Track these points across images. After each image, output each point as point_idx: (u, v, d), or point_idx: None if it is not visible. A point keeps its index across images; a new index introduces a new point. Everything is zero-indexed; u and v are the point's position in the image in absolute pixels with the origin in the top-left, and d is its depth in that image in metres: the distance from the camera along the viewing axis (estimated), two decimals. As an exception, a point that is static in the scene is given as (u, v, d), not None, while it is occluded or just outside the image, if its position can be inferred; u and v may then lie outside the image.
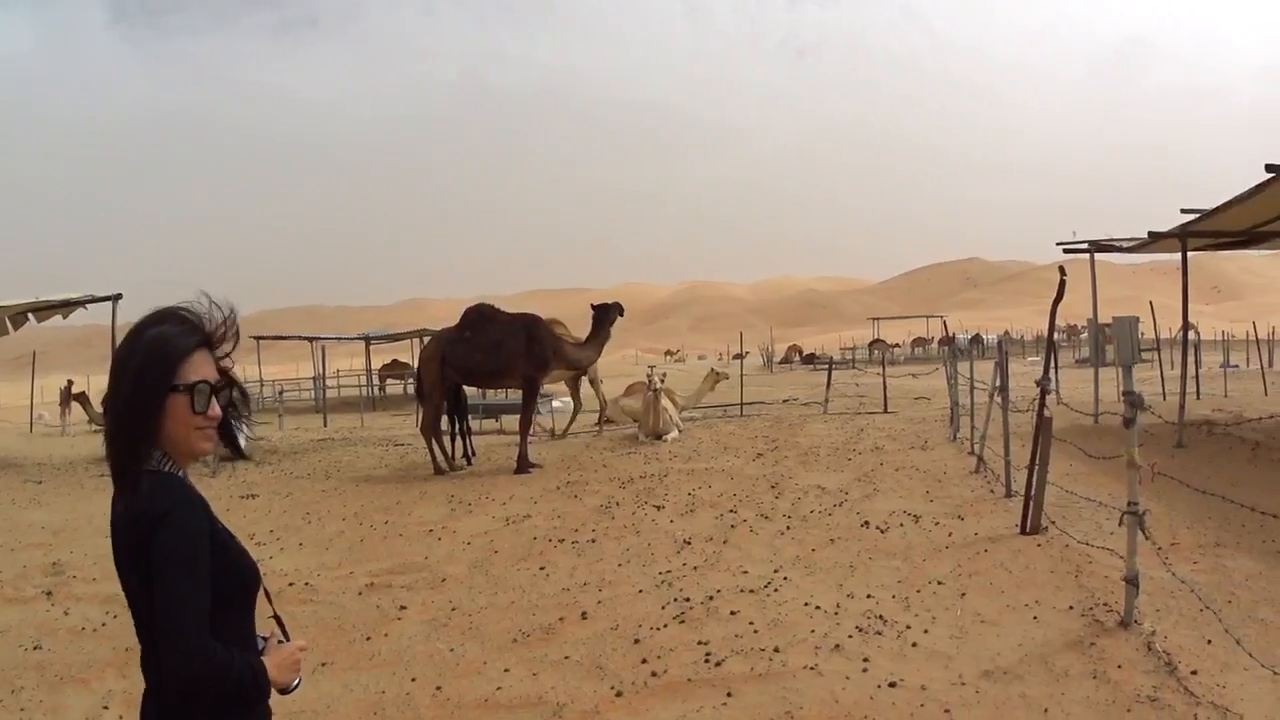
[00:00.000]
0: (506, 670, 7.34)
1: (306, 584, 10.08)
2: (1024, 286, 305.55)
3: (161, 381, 2.91)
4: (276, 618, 3.23)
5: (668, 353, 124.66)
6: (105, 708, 7.38)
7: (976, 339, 70.90)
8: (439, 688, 7.07)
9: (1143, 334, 48.10)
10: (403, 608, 9.05)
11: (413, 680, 7.23)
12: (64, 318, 25.70)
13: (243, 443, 3.43)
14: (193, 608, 2.79)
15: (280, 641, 3.13)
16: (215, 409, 2.99)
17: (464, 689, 7.03)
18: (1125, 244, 22.69)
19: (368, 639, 8.19)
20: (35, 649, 8.69)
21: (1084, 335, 47.54)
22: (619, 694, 6.70)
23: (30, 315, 25.67)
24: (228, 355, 3.11)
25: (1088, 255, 23.43)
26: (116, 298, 22.83)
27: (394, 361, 55.54)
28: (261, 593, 3.18)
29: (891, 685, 6.47)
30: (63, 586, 10.82)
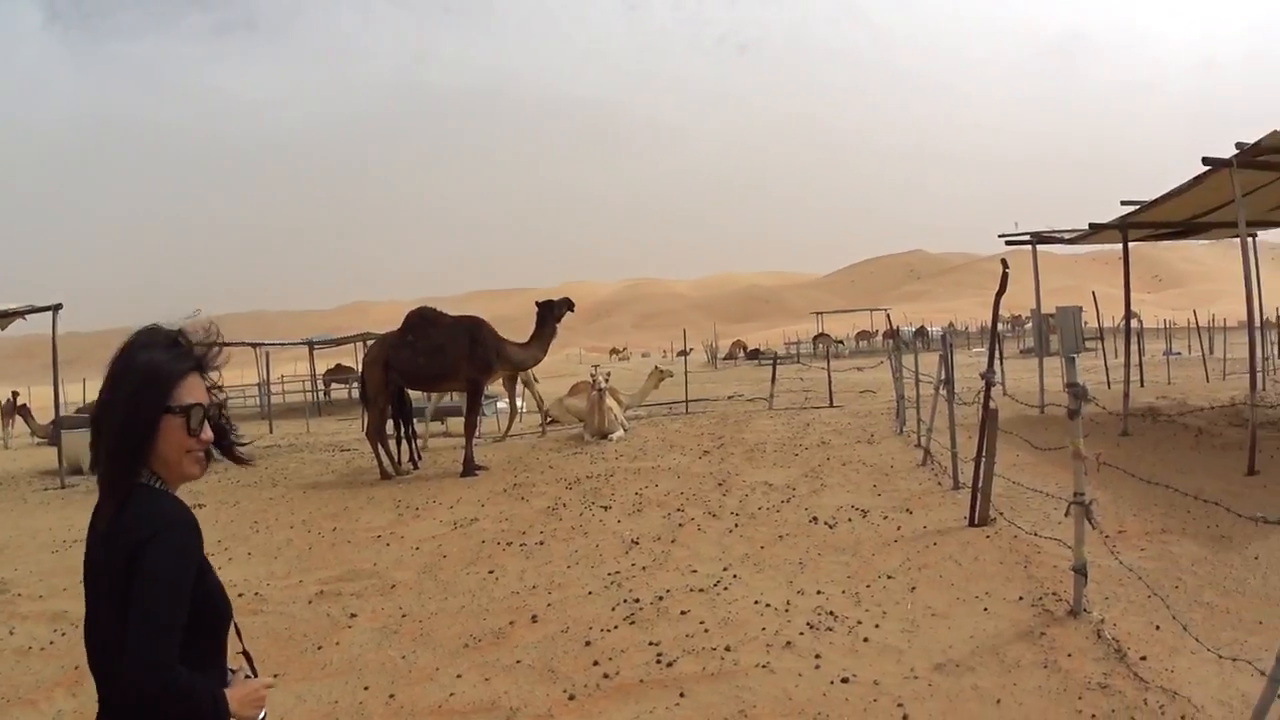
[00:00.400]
0: (459, 676, 7.27)
1: (256, 594, 9.96)
2: (967, 278, 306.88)
3: (157, 403, 2.95)
4: (245, 653, 3.24)
5: (613, 351, 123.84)
6: None
7: (921, 331, 71.21)
8: (392, 695, 7.00)
9: (1086, 323, 48.57)
10: (353, 615, 8.96)
11: (365, 689, 7.15)
12: (1, 329, 25.14)
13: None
14: (166, 626, 2.78)
15: (247, 676, 3.13)
16: (208, 432, 3.05)
17: (417, 696, 6.96)
18: (1067, 235, 22.82)
19: (319, 648, 8.10)
20: None
21: (1028, 325, 47.90)
22: (571, 697, 6.65)
23: None
24: (216, 378, 3.15)
25: (1029, 246, 23.56)
26: (57, 308, 22.47)
27: (338, 366, 55.17)
28: (232, 626, 3.17)
29: (844, 681, 6.46)
30: (6, 605, 10.59)
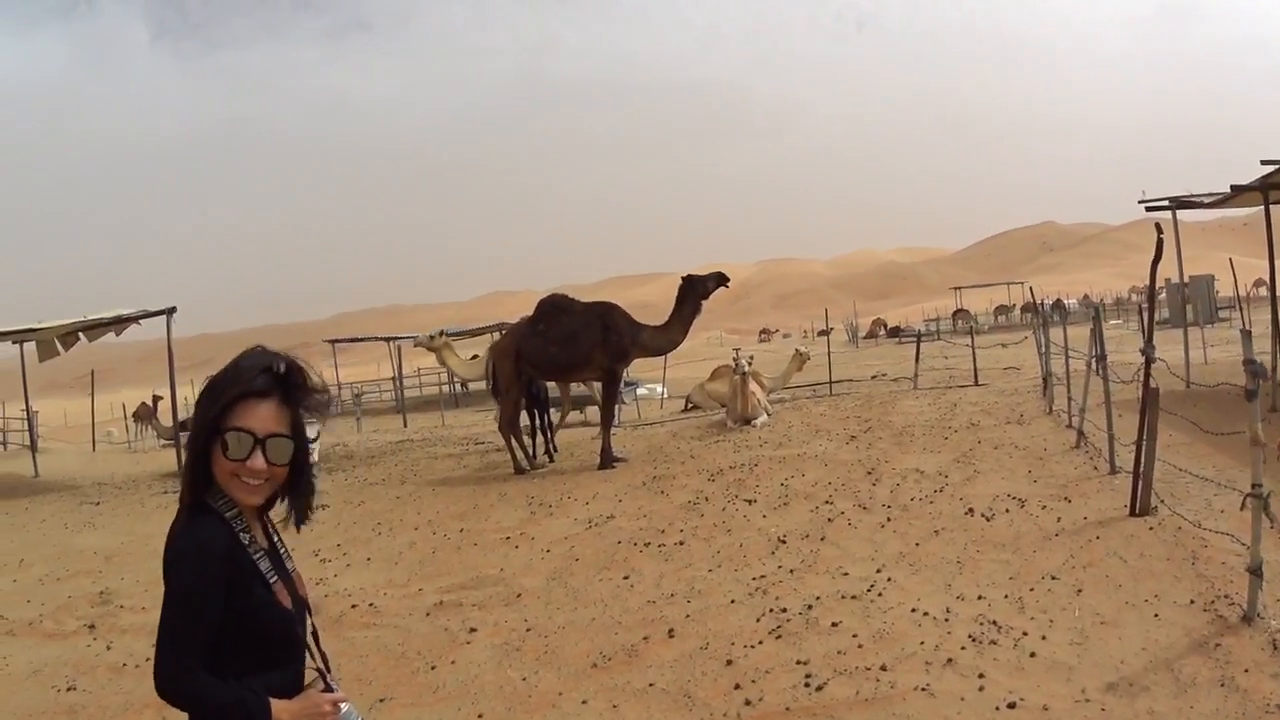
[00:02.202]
0: (584, 702, 6.73)
1: (371, 605, 9.54)
2: (1099, 249, 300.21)
3: (208, 421, 3.01)
4: (319, 670, 3.24)
5: (762, 332, 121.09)
6: None
7: (1058, 304, 69.41)
8: (507, 726, 6.47)
9: (1218, 293, 46.84)
10: (473, 630, 8.46)
11: (479, 717, 6.65)
12: (117, 335, 25.24)
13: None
14: (179, 639, 2.96)
15: (323, 690, 3.17)
16: (257, 461, 3.00)
17: None
18: (1206, 199, 21.60)
19: (432, 668, 7.65)
20: (69, 690, 8.23)
21: (1162, 296, 46.56)
22: (708, 729, 6.05)
23: (81, 335, 25.23)
24: (307, 413, 3.13)
25: (1168, 213, 22.31)
26: (171, 311, 22.46)
27: (474, 356, 55.16)
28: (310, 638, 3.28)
29: (1011, 706, 5.81)
30: (108, 618, 10.31)
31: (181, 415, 27.59)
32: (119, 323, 24.02)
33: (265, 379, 3.02)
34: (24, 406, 31.62)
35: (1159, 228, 10.38)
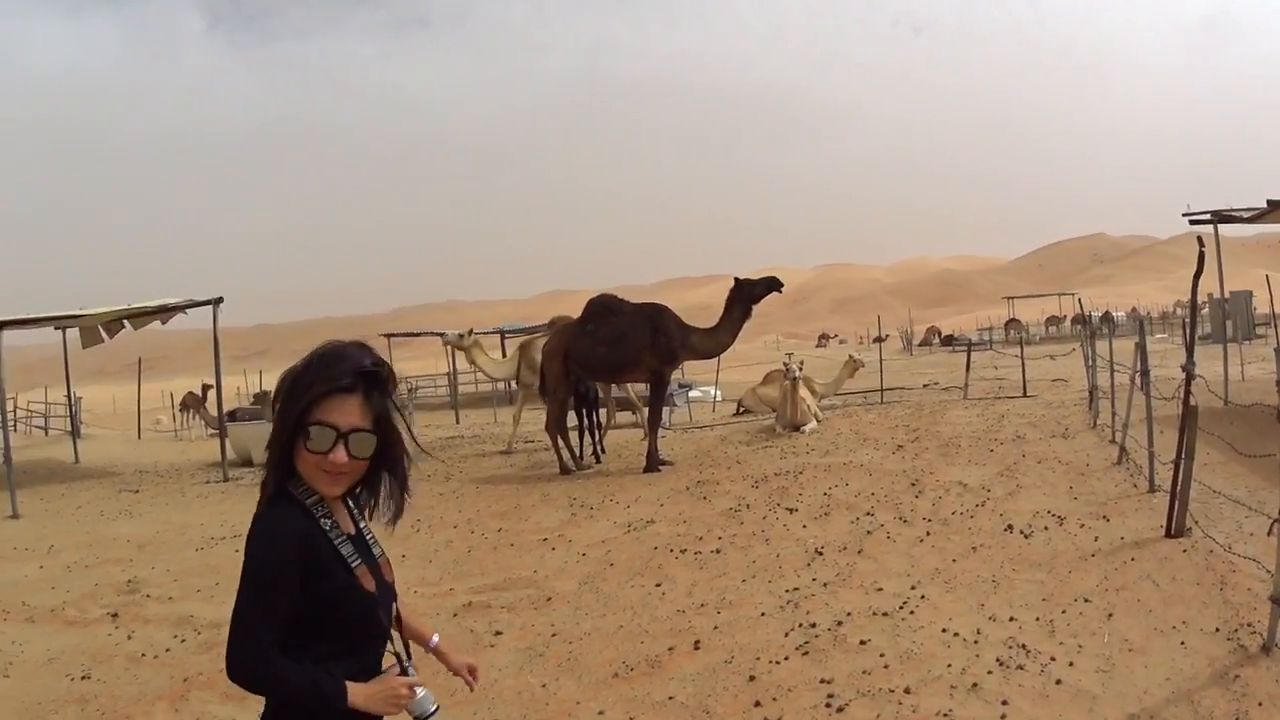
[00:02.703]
0: (601, 713, 6.53)
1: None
2: (1146, 262, 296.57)
3: (292, 414, 3.03)
4: (396, 654, 3.27)
5: (822, 337, 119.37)
6: None
7: (1106, 316, 68.46)
8: (520, 734, 6.25)
9: (1255, 309, 45.98)
10: (498, 633, 8.29)
11: (493, 723, 6.40)
12: (163, 323, 25.23)
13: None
14: (249, 622, 2.96)
15: (400, 673, 3.18)
16: (339, 455, 3.02)
17: None
18: (1245, 214, 21.10)
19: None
20: (83, 679, 8.10)
21: (1204, 311, 45.62)
22: (722, 748, 5.81)
23: (126, 322, 25.14)
24: (385, 408, 3.13)
25: (1209, 226, 21.80)
26: (217, 301, 22.33)
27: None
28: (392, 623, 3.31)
29: (1030, 736, 5.49)
30: (132, 607, 10.20)
31: (230, 405, 27.36)
32: (164, 311, 23.97)
33: (351, 376, 3.05)
34: (67, 392, 31.44)
35: (1200, 241, 10.07)
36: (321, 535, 3.08)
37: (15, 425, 38.11)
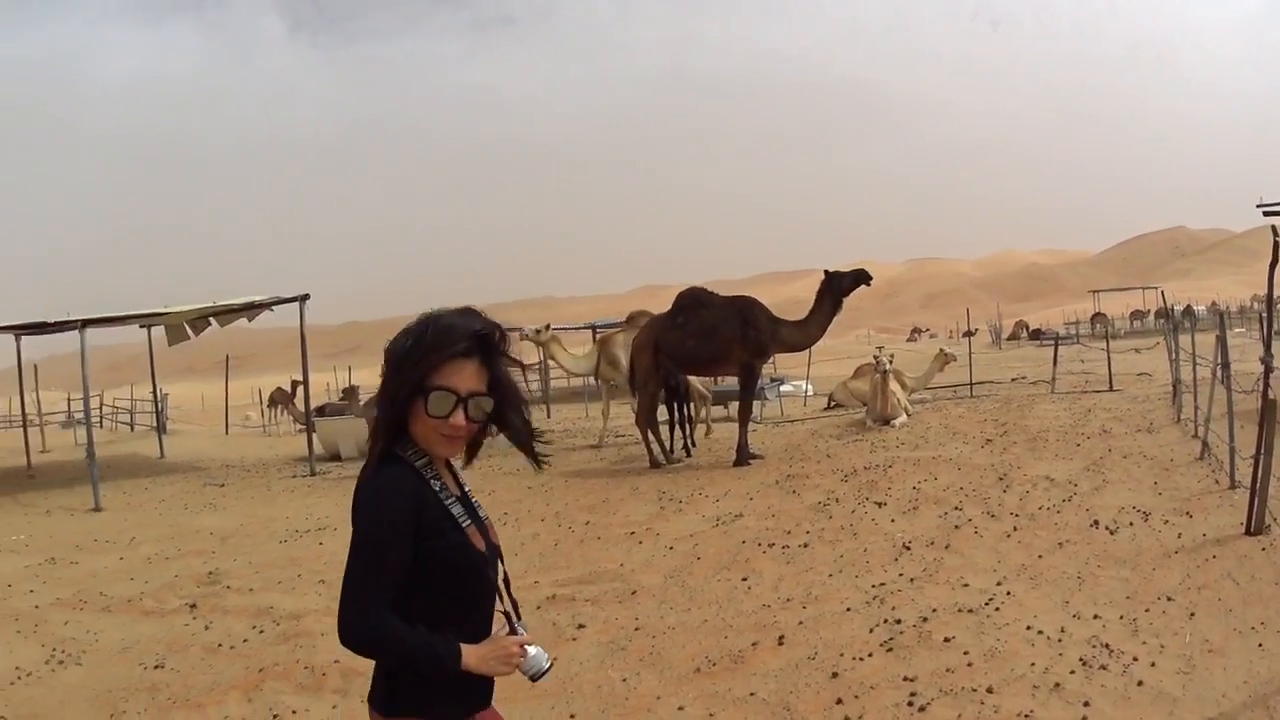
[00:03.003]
0: (681, 708, 6.46)
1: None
2: (1224, 256, 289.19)
3: (411, 380, 3.04)
4: (505, 613, 3.28)
5: (914, 331, 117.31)
6: None
7: (1188, 310, 67.03)
8: (598, 728, 6.22)
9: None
10: (581, 626, 8.24)
11: (571, 717, 6.43)
12: (249, 320, 25.15)
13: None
14: (358, 583, 2.98)
15: (509, 634, 3.20)
16: (459, 418, 3.06)
17: None
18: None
19: (533, 664, 7.41)
20: (157, 668, 8.15)
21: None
22: (802, 746, 5.75)
23: (212, 320, 25.17)
24: (500, 370, 3.18)
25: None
26: (304, 298, 22.34)
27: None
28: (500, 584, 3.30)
29: (1110, 739, 5.39)
30: (212, 598, 10.27)
31: (319, 401, 27.39)
32: (250, 309, 23.95)
33: (467, 341, 3.06)
34: (153, 389, 31.60)
35: (1275, 231, 9.81)
36: (432, 495, 3.10)
37: (100, 421, 38.58)
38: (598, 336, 23.47)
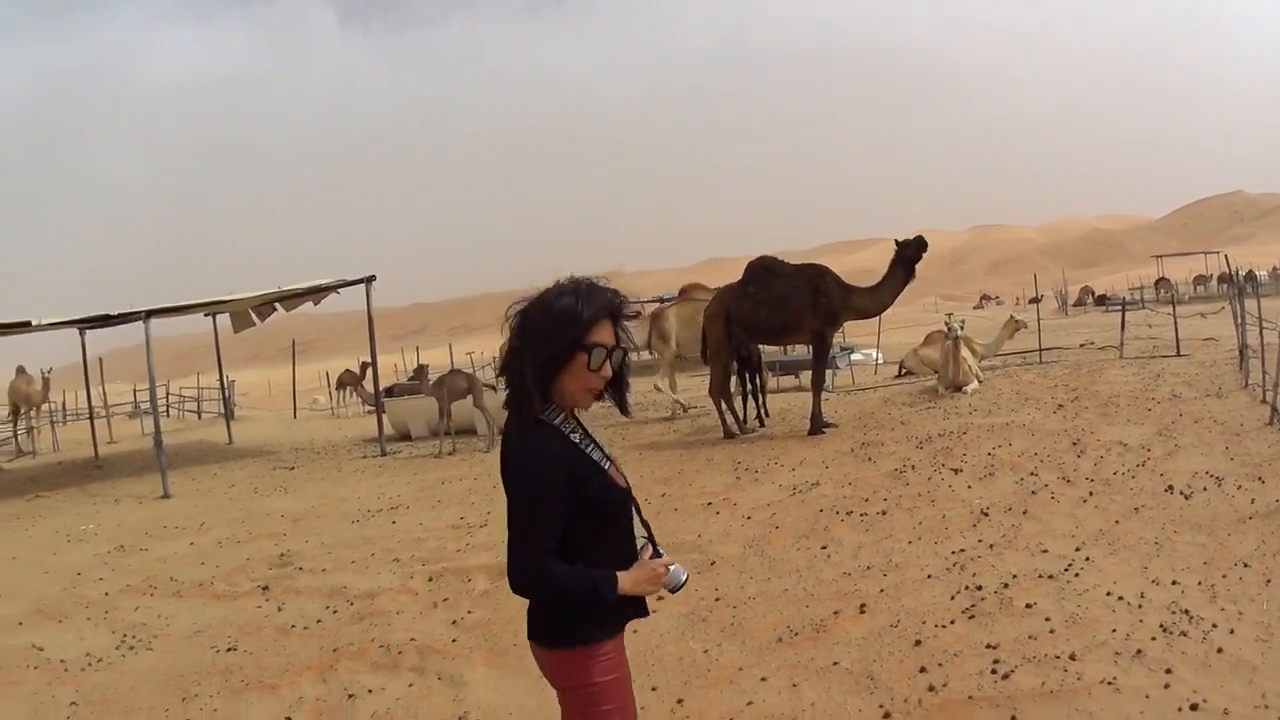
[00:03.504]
0: (763, 679, 6.38)
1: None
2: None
3: (570, 340, 3.32)
4: (649, 537, 3.60)
5: (983, 298, 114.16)
6: (288, 719, 6.70)
7: (1250, 275, 65.31)
8: (680, 701, 6.20)
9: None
10: (660, 598, 8.10)
11: (653, 690, 6.35)
12: (315, 304, 24.92)
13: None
14: (525, 535, 3.28)
15: (652, 556, 3.54)
16: (607, 369, 3.40)
17: (709, 703, 6.14)
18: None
19: (614, 637, 7.36)
20: (229, 651, 8.13)
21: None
22: (886, 715, 5.71)
23: (278, 305, 25.04)
24: (625, 327, 3.49)
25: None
26: (370, 280, 22.11)
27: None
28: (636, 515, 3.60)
29: (1194, 708, 5.29)
30: (284, 580, 10.24)
31: (385, 382, 27.21)
32: (315, 292, 23.73)
33: (609, 304, 3.41)
34: (219, 376, 31.42)
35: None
36: (575, 448, 3.38)
37: (167, 410, 38.39)
38: (650, 311, 23.02)
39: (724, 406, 17.61)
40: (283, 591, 9.83)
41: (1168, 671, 5.72)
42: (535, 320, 3.36)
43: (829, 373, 21.52)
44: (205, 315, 26.29)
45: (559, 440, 3.36)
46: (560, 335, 3.31)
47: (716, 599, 8.08)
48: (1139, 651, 6.03)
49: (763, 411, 18.86)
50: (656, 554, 3.57)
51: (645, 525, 3.64)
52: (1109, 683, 5.66)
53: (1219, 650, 5.95)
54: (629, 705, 3.58)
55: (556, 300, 3.35)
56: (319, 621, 8.75)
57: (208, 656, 8.08)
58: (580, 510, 3.34)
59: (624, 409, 3.72)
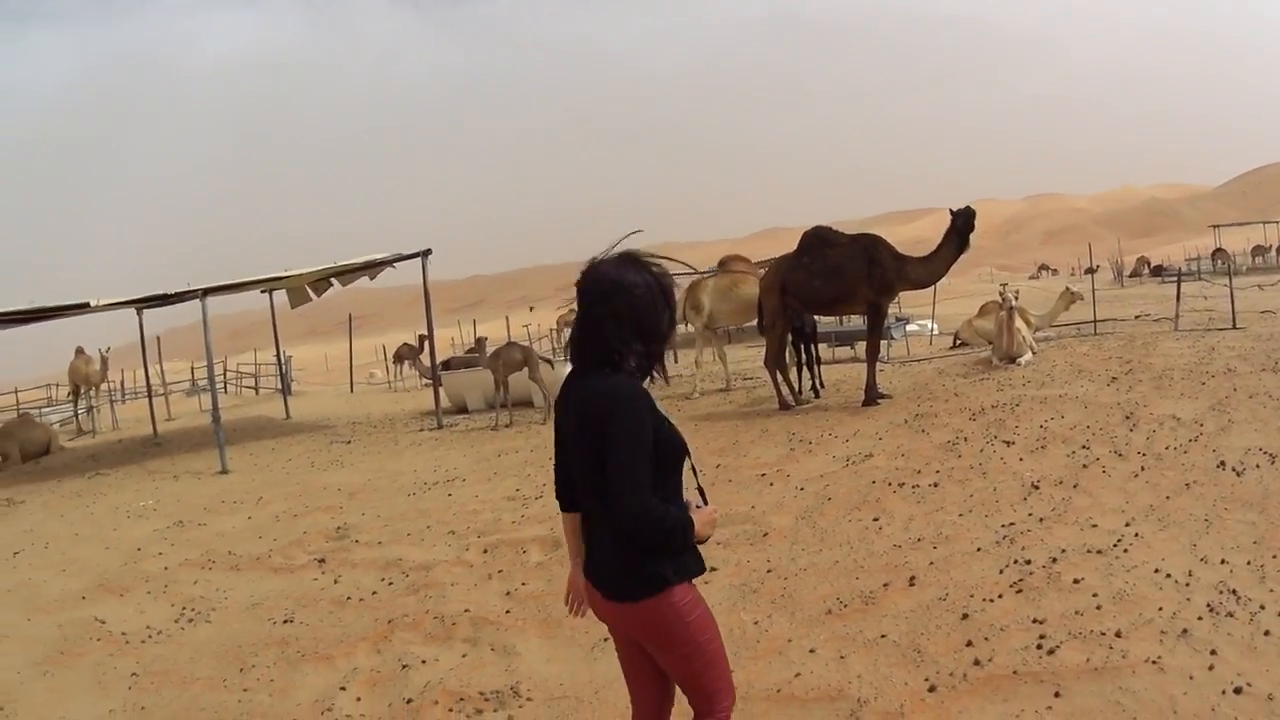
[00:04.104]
0: (812, 651, 6.35)
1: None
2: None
3: (670, 313, 3.76)
4: (699, 489, 3.82)
5: (1042, 268, 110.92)
6: (342, 689, 6.76)
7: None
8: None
9: None
10: (713, 569, 8.00)
11: (704, 663, 6.32)
12: (371, 279, 24.86)
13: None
14: (634, 474, 3.47)
15: (699, 505, 3.75)
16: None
17: (757, 674, 6.10)
18: None
19: (663, 609, 7.32)
20: (285, 622, 8.19)
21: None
22: (932, 688, 5.65)
23: (334, 280, 24.90)
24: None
25: None
26: (426, 254, 21.80)
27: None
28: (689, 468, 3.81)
29: (1237, 691, 5.19)
30: (340, 553, 10.28)
31: (444, 355, 27.09)
32: (371, 267, 23.53)
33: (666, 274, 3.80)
34: (276, 352, 31.54)
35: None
36: (652, 400, 3.65)
37: (225, 387, 38.72)
38: (689, 282, 22.65)
39: (779, 378, 17.42)
40: (339, 564, 9.90)
41: (1213, 653, 5.63)
42: (639, 294, 3.67)
43: (883, 344, 21.29)
44: (261, 292, 26.23)
45: (648, 394, 3.62)
46: (663, 308, 3.73)
47: (768, 570, 8.04)
48: (1185, 631, 5.93)
49: (818, 383, 18.67)
50: (705, 502, 3.81)
51: (696, 476, 3.83)
52: (1153, 662, 5.58)
53: (1266, 633, 5.83)
54: (718, 636, 3.79)
55: (649, 282, 3.69)
56: (374, 593, 8.81)
57: (264, 628, 8.17)
58: (657, 455, 3.57)
59: (665, 378, 4.17)
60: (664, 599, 3.61)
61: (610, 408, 3.54)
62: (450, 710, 6.34)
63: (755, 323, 19.43)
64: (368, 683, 6.86)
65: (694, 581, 3.76)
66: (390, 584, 9.03)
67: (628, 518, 3.45)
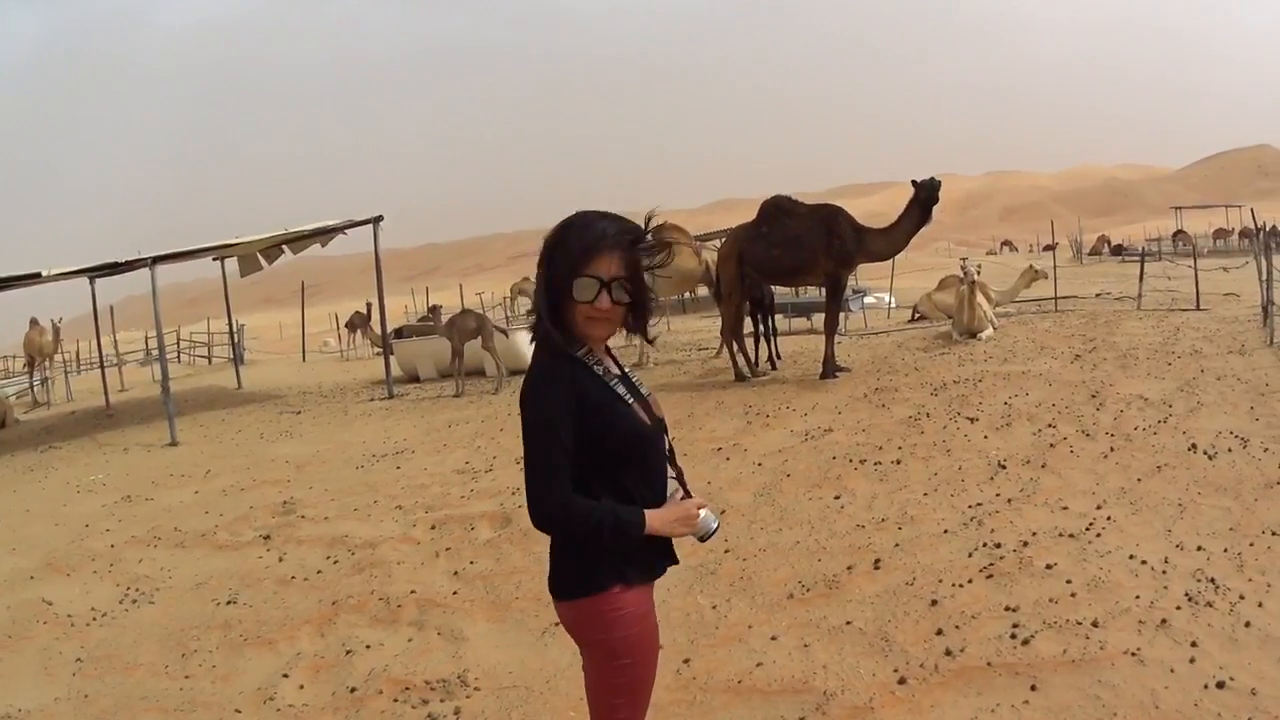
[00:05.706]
0: (773, 638, 6.16)
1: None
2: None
3: (564, 269, 3.26)
4: (677, 477, 3.52)
5: (1004, 244, 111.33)
6: (285, 675, 6.56)
7: (1273, 231, 64.26)
8: (687, 660, 5.98)
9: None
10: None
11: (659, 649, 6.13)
12: (323, 245, 24.58)
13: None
14: (542, 465, 3.18)
15: (682, 498, 3.46)
16: (604, 301, 3.25)
17: (716, 664, 5.91)
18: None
19: (619, 592, 7.12)
20: (229, 603, 8.02)
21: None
22: (902, 680, 5.47)
23: (285, 248, 24.56)
24: (647, 259, 3.38)
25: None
26: (377, 220, 21.47)
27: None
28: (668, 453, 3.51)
29: (1220, 686, 5.05)
30: (286, 529, 10.11)
31: (395, 323, 26.93)
32: (322, 234, 23.33)
33: (613, 237, 3.28)
34: (228, 321, 31.26)
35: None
36: (591, 377, 3.31)
37: (178, 356, 38.12)
38: None
39: (735, 348, 17.29)
40: (284, 541, 9.73)
41: (1193, 645, 5.48)
42: (542, 254, 3.35)
43: (841, 316, 21.15)
44: (213, 260, 25.97)
45: (566, 368, 3.28)
46: (552, 267, 3.31)
47: (726, 550, 7.84)
48: (1163, 621, 5.78)
49: (774, 354, 18.56)
50: (687, 496, 3.51)
51: (677, 466, 3.58)
52: (1133, 654, 5.43)
53: (1246, 624, 5.69)
54: (648, 663, 3.47)
55: (563, 227, 3.34)
56: (319, 572, 8.63)
57: (208, 609, 8.00)
58: (598, 445, 3.27)
59: (646, 336, 3.63)
60: (593, 602, 3.31)
61: (522, 392, 3.34)
62: (395, 700, 6.13)
63: (707, 293, 19.29)
64: (311, 669, 6.66)
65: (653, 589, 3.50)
66: (335, 562, 8.83)
67: (536, 517, 3.23)
